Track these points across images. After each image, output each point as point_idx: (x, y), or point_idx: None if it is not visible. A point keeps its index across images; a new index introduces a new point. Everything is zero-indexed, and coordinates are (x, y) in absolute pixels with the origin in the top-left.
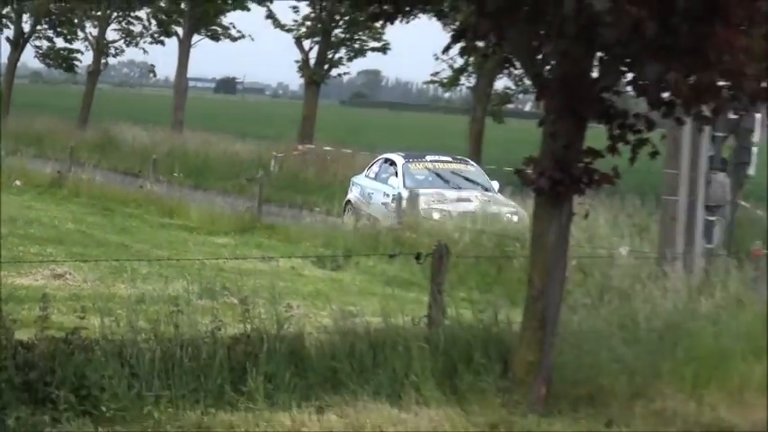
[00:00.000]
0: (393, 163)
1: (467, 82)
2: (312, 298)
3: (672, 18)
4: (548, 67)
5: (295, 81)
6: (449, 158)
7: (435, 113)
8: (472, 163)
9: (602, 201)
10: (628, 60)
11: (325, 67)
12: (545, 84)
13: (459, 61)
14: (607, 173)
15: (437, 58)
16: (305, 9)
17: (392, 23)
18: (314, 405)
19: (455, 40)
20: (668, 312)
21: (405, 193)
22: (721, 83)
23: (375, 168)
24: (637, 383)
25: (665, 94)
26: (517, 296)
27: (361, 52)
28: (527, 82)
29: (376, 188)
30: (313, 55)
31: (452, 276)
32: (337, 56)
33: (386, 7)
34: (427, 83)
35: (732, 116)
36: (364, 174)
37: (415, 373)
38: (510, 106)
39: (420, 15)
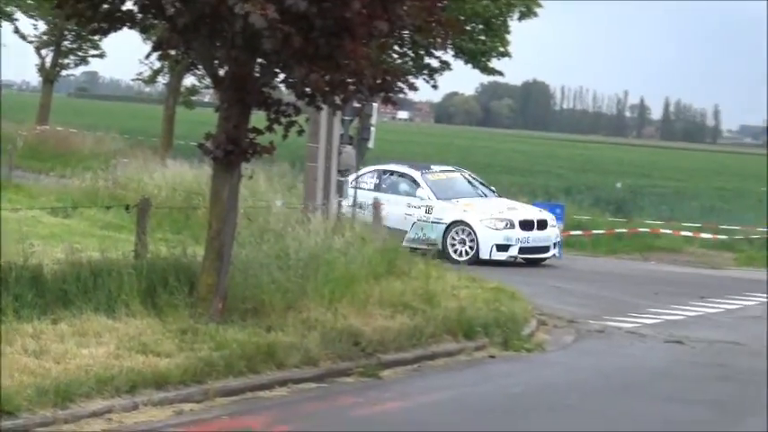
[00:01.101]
0: (403, 175)
1: (163, 79)
2: (49, 238)
3: (312, 33)
4: (222, 69)
5: (35, 79)
6: (450, 168)
7: (139, 103)
8: (463, 171)
9: (262, 167)
10: (281, 64)
11: (57, 69)
12: (220, 81)
13: (157, 64)
14: (266, 146)
15: (141, 62)
16: (42, 26)
17: (106, 36)
18: (50, 318)
19: (154, 49)
20: (311, 247)
21: (437, 204)
22: (349, 80)
23: (372, 180)
24: (289, 299)
25: (308, 89)
26: (200, 236)
27: (84, 60)
28: (207, 80)
29: (391, 200)
30: (49, 60)
31: (152, 222)
32: (66, 61)
33: (102, 25)
34: (134, 80)
35: (356, 104)
36: (350, 185)
37: (125, 293)
38: (195, 98)
39: (127, 30)
